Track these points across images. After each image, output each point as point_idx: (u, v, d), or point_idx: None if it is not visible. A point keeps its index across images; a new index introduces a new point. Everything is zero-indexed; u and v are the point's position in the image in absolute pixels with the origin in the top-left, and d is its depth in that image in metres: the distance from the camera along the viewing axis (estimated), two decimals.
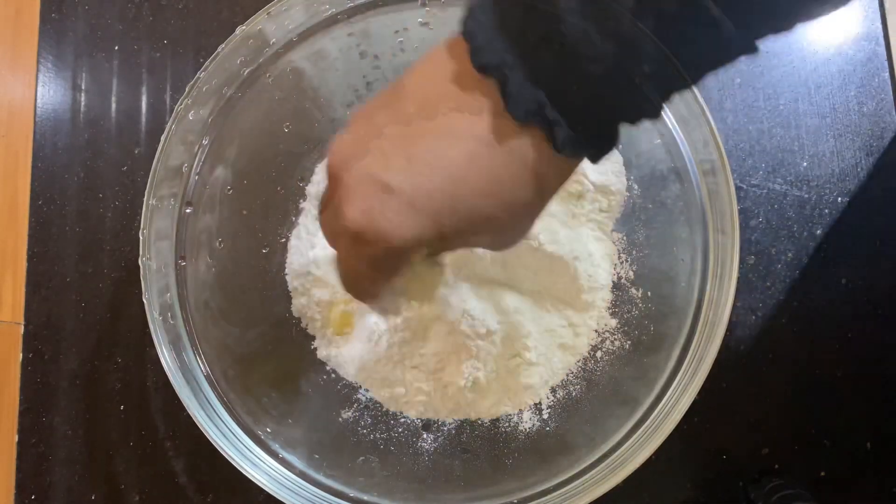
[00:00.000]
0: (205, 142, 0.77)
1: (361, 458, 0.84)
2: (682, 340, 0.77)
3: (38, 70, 0.96)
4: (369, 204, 0.50)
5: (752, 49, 0.45)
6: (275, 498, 0.73)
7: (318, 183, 0.89)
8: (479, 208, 0.51)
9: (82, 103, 0.95)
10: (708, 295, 0.75)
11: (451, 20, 0.79)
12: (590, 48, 0.44)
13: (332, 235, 0.57)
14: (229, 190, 0.83)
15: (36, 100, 0.96)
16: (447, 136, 0.49)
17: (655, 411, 0.74)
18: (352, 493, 0.77)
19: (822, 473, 0.89)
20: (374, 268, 0.55)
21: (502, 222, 0.53)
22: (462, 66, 0.49)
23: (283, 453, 0.77)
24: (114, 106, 0.95)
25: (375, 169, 0.50)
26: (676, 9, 0.42)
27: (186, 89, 0.75)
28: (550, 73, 0.46)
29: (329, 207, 0.55)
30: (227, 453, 0.73)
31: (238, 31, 0.76)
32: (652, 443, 0.72)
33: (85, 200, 0.94)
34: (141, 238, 0.74)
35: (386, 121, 0.51)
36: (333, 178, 0.53)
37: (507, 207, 0.52)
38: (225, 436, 0.74)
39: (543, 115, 0.47)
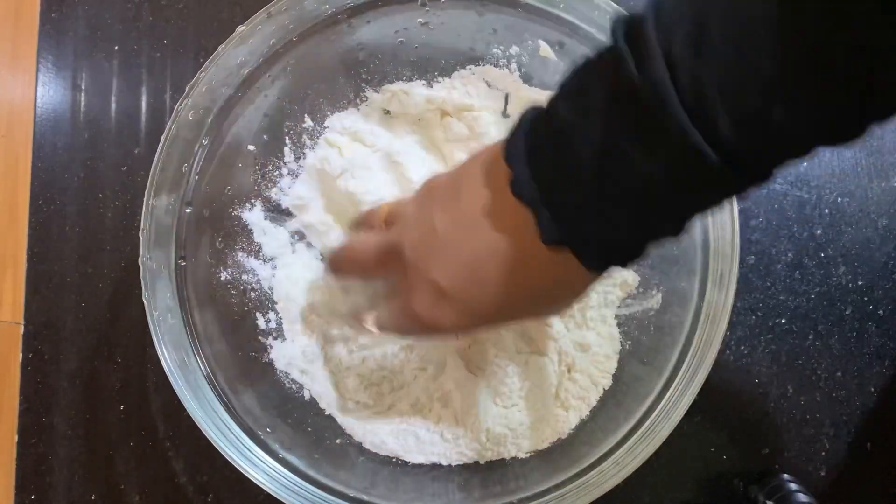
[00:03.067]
0: (205, 142, 0.77)
1: (361, 457, 0.84)
2: (682, 340, 0.77)
3: (38, 70, 0.96)
4: (430, 303, 0.62)
5: (768, 179, 0.49)
6: (275, 498, 0.73)
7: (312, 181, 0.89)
8: (517, 311, 0.63)
9: (82, 103, 0.95)
10: (708, 295, 0.75)
11: (450, 20, 0.79)
12: (611, 195, 0.50)
13: (394, 304, 0.70)
14: (228, 190, 0.83)
15: (36, 100, 0.96)
16: (493, 253, 0.58)
17: (656, 411, 0.75)
18: (352, 493, 0.77)
19: (822, 473, 0.89)
20: (422, 337, 0.76)
21: (538, 317, 0.72)
22: (502, 187, 0.57)
23: (283, 453, 0.77)
24: (114, 106, 0.95)
25: (437, 278, 0.61)
26: (693, 174, 0.47)
27: (186, 89, 0.75)
28: (574, 212, 0.53)
29: (396, 289, 0.69)
30: (226, 453, 0.73)
31: (238, 31, 0.76)
32: (652, 443, 0.72)
33: (85, 200, 0.94)
34: (141, 238, 0.74)
35: (444, 224, 0.61)
36: (406, 269, 0.64)
37: (542, 310, 0.66)
38: (225, 436, 0.74)
39: (570, 242, 0.54)
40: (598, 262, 0.56)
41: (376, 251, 0.69)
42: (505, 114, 0.88)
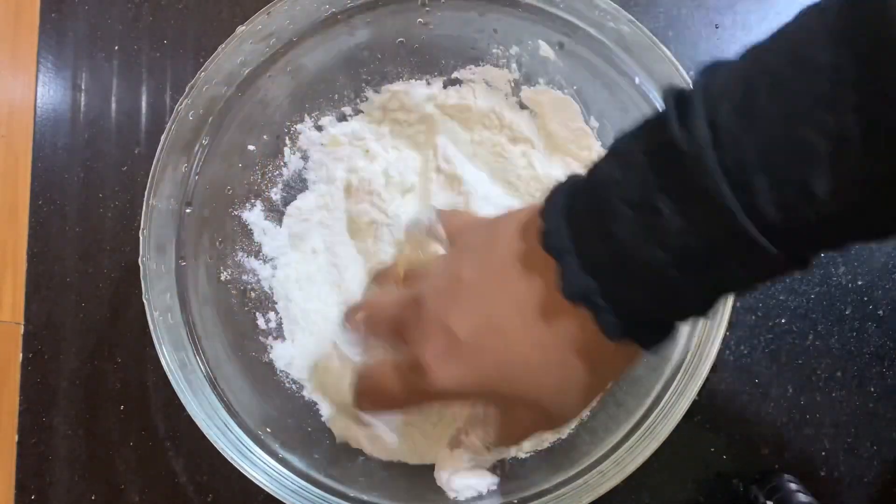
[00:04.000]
0: (205, 142, 0.77)
1: (361, 457, 0.84)
2: (681, 341, 0.77)
3: (38, 70, 0.96)
4: (440, 352, 0.58)
5: (804, 267, 0.48)
6: (275, 498, 0.73)
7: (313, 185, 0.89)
8: (530, 378, 0.58)
9: (82, 103, 0.95)
10: None
11: (450, 20, 0.79)
12: (639, 253, 0.48)
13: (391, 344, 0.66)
14: (228, 190, 0.83)
15: (36, 100, 0.96)
16: (514, 303, 0.56)
17: (656, 411, 0.74)
18: (352, 493, 0.77)
19: (822, 473, 0.89)
20: (409, 392, 0.63)
21: (548, 397, 0.60)
22: (534, 241, 0.55)
23: (283, 453, 0.77)
24: (114, 106, 0.95)
25: (454, 324, 0.57)
26: (724, 239, 0.45)
27: (186, 89, 0.75)
28: (602, 267, 0.51)
29: (402, 325, 0.62)
30: (226, 453, 0.73)
31: (238, 31, 0.76)
32: (652, 443, 0.72)
33: (85, 200, 0.94)
34: (141, 238, 0.74)
35: (471, 273, 0.59)
36: (422, 317, 0.60)
37: (554, 383, 0.58)
38: (225, 436, 0.74)
39: (591, 300, 0.52)
40: (617, 329, 0.52)
41: (397, 304, 0.64)
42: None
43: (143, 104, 0.95)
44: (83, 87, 0.96)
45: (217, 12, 0.97)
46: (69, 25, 0.97)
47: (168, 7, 0.97)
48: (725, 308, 0.73)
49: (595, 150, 0.86)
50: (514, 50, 0.84)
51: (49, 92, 0.96)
